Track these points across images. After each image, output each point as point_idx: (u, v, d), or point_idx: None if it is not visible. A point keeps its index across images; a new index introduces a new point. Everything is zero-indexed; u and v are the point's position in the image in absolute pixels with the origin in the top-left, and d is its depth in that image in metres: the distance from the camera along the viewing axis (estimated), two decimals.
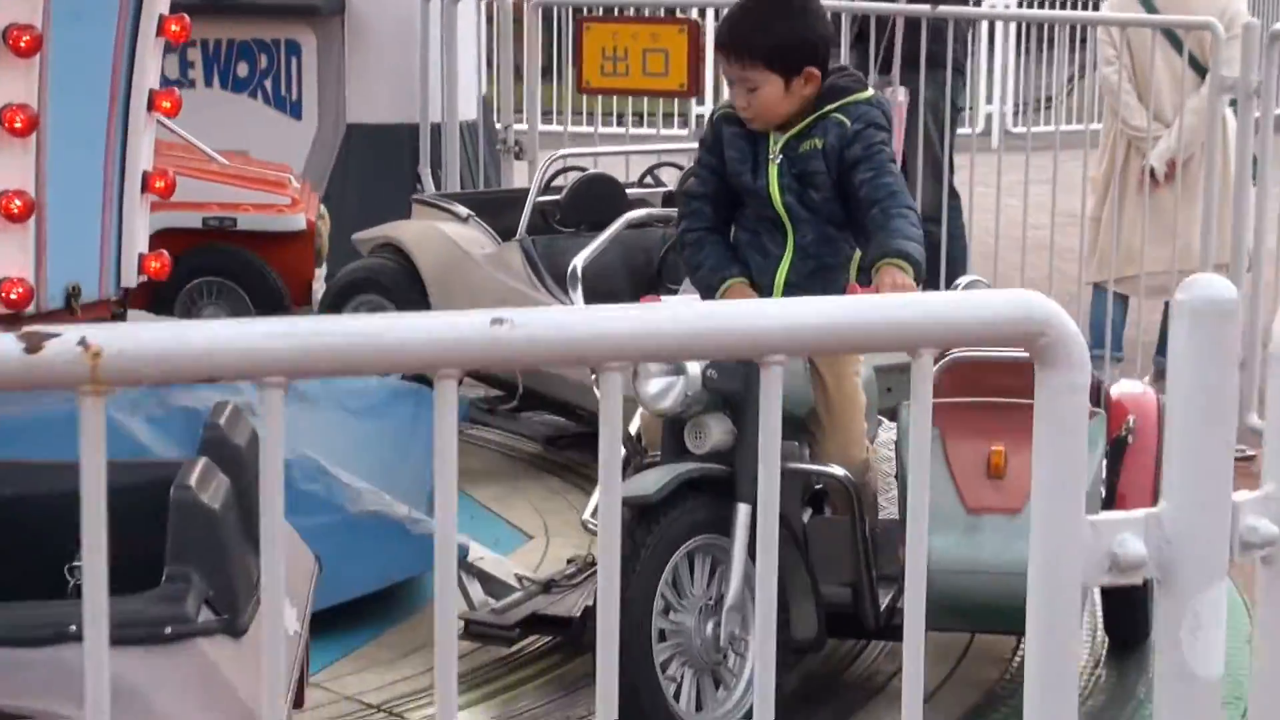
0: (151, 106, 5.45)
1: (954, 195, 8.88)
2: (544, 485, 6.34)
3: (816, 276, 4.56)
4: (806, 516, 4.55)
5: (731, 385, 4.28)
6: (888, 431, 5.40)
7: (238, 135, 9.67)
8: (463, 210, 7.08)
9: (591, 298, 6.44)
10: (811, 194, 4.54)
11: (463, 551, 5.13)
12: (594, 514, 4.87)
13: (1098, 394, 4.93)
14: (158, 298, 7.52)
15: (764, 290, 4.59)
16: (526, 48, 9.58)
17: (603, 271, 6.40)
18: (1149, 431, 4.83)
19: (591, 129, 9.64)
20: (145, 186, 5.48)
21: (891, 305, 1.86)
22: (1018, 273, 8.30)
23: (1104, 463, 4.55)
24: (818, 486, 4.59)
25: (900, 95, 8.57)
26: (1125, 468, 4.76)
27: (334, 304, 7.25)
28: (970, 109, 13.74)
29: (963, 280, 6.26)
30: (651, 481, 4.13)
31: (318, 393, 6.03)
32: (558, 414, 6.82)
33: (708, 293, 4.65)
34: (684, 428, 4.34)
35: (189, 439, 5.02)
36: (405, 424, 6.27)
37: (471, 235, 6.97)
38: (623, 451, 4.86)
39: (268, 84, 9.81)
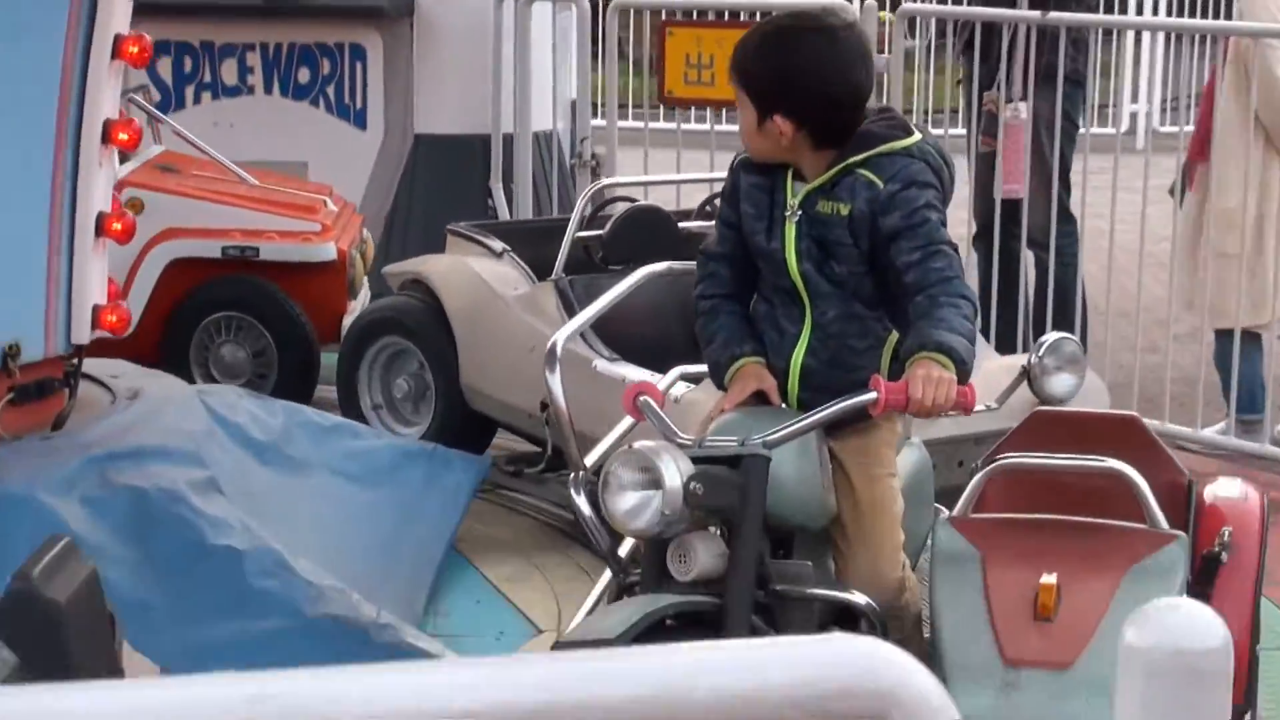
0: (107, 139, 4.77)
1: (1068, 218, 8.02)
2: (567, 560, 5.61)
3: (839, 363, 3.78)
4: None
5: (721, 501, 3.52)
6: None
7: (297, 146, 9.09)
8: (497, 245, 6.36)
9: (635, 352, 5.72)
10: (834, 265, 3.75)
11: None
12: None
13: (1187, 498, 4.11)
14: (172, 334, 6.91)
15: (779, 374, 3.82)
16: (604, 54, 8.85)
17: (651, 317, 5.66)
18: (1250, 547, 4.00)
19: (674, 125, 8.88)
20: (100, 230, 4.81)
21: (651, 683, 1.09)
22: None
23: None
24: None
25: (1022, 111, 7.75)
26: (1218, 594, 3.92)
27: (356, 346, 6.57)
28: (1114, 106, 12.86)
29: (1048, 339, 5.47)
30: (616, 621, 3.38)
31: (309, 456, 5.36)
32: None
33: (717, 372, 3.89)
34: (667, 548, 3.58)
35: (131, 525, 4.37)
36: (413, 490, 5.58)
37: (504, 273, 6.26)
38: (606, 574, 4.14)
39: (330, 91, 9.18)
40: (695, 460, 3.55)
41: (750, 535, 3.51)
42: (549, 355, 4.10)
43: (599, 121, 9.19)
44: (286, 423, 5.40)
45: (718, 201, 5.97)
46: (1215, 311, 7.26)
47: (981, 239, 8.28)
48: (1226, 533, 3.97)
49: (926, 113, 12.61)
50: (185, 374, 6.92)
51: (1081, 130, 8.01)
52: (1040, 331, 7.82)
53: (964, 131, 8.45)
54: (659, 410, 3.71)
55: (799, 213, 3.77)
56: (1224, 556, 3.95)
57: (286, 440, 5.34)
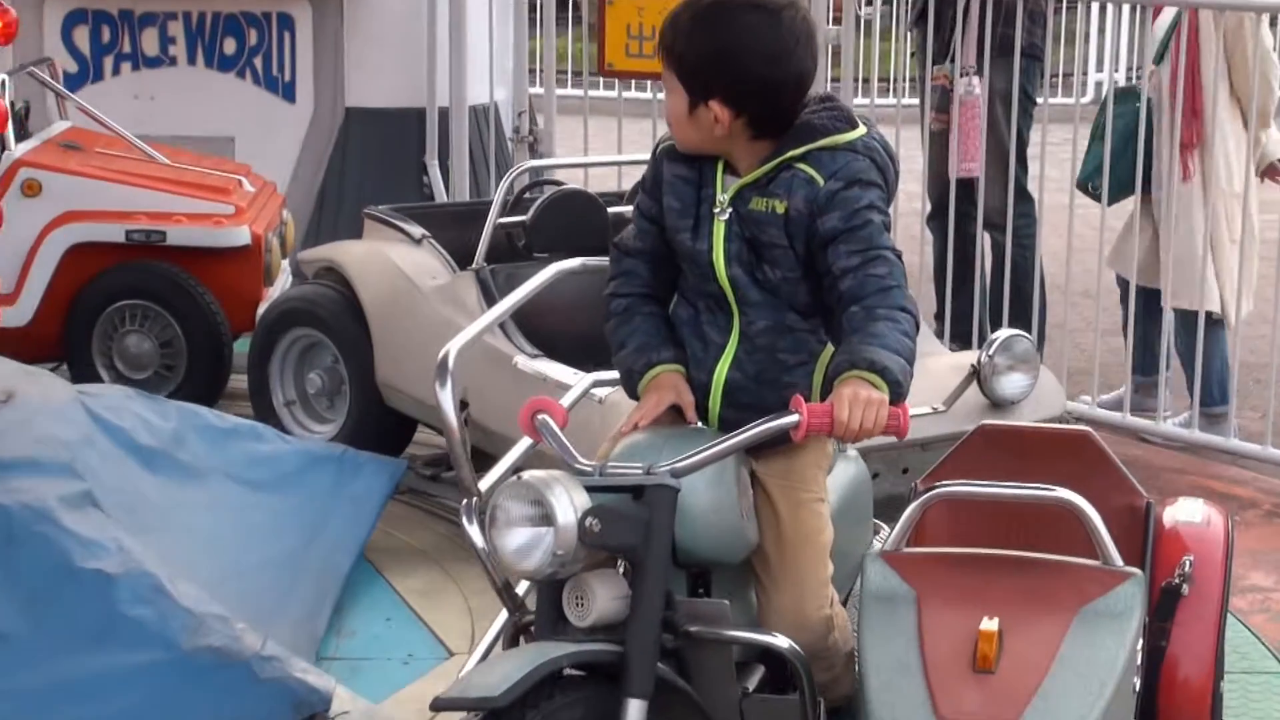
0: None
1: (1026, 198, 7.65)
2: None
3: (767, 379, 3.39)
4: (754, 680, 3.41)
5: (621, 539, 3.13)
6: None
7: (223, 120, 8.70)
8: (416, 231, 5.96)
9: (561, 348, 5.34)
10: (767, 270, 3.37)
11: (323, 703, 4.03)
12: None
13: (1145, 522, 3.74)
14: (73, 325, 6.50)
15: (700, 388, 3.44)
16: (542, 19, 8.44)
17: (579, 310, 5.27)
18: (1213, 577, 3.65)
19: (614, 92, 8.48)
20: None
21: None
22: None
23: (1139, 649, 3.34)
24: None
25: (976, 86, 7.37)
26: (1178, 629, 3.57)
27: (266, 339, 6.16)
28: (1077, 75, 12.50)
29: (999, 336, 5.10)
30: (501, 677, 2.99)
31: (205, 461, 4.97)
32: None
33: (629, 381, 3.50)
34: (563, 588, 3.19)
35: None
36: (320, 497, 5.20)
37: (422, 261, 5.86)
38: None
39: (258, 62, 8.75)
40: (594, 490, 3.17)
41: (654, 576, 3.13)
42: (440, 367, 3.68)
43: (537, 89, 8.78)
44: (180, 426, 5.00)
45: None
46: (1205, 299, 6.90)
47: (936, 219, 7.93)
48: (1188, 562, 3.62)
49: (881, 80, 12.18)
50: (88, 367, 6.53)
51: (1040, 103, 7.64)
52: (997, 316, 7.49)
53: (916, 102, 8.08)
54: (558, 431, 3.33)
55: (729, 210, 3.38)
56: (1185, 589, 3.60)
57: (179, 445, 4.94)
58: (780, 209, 3.32)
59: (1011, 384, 5.11)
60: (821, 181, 3.31)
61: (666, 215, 3.44)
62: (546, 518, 3.11)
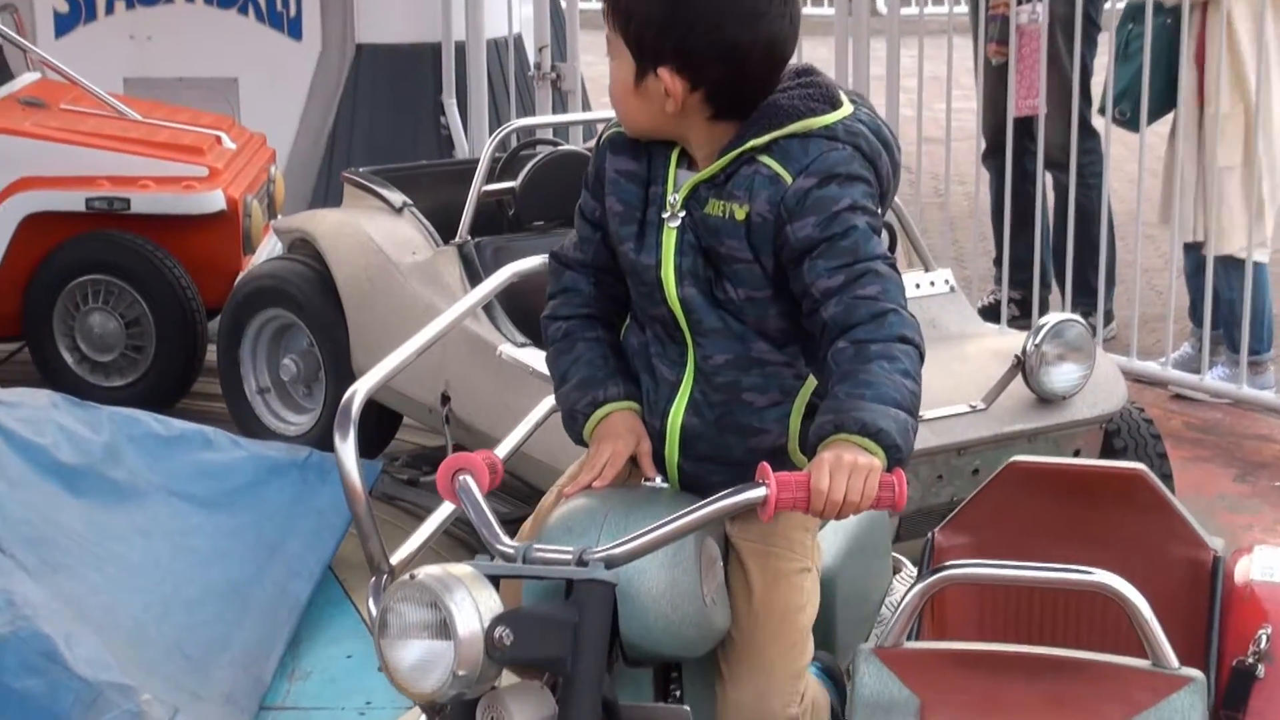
0: None
1: (1090, 134, 6.93)
2: None
3: (731, 425, 2.74)
4: None
5: (540, 651, 2.49)
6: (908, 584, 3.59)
7: (225, 61, 8.13)
8: (397, 198, 5.32)
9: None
10: (728, 288, 2.71)
11: None
12: None
13: (1212, 580, 3.07)
14: (32, 302, 5.92)
15: (654, 435, 2.79)
16: None
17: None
18: None
19: None
20: None
21: None
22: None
23: None
24: None
25: (1039, 13, 6.64)
26: (1251, 713, 2.89)
27: (235, 321, 5.55)
28: None
29: (1048, 321, 4.42)
30: None
31: (142, 477, 4.39)
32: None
33: (573, 425, 2.85)
34: (476, 707, 2.56)
35: None
36: (279, 511, 4.61)
37: (402, 233, 5.22)
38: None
39: None
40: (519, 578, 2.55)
41: (585, 695, 2.50)
42: (342, 413, 3.02)
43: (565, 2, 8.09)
44: (114, 437, 4.41)
45: None
46: (1216, 234, 6.19)
47: (992, 156, 7.24)
48: (1264, 636, 2.94)
49: None
50: (49, 348, 5.96)
51: (1104, 32, 6.89)
52: (1061, 260, 6.81)
53: (962, 10, 7.35)
54: (479, 498, 2.68)
55: (682, 214, 2.72)
56: (1261, 669, 2.92)
57: (111, 460, 4.36)
58: (740, 214, 2.65)
59: (1062, 376, 4.43)
60: (789, 179, 2.63)
61: (609, 220, 2.78)
62: (444, 629, 2.47)
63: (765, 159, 2.65)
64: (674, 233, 2.71)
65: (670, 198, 2.71)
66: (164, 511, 4.40)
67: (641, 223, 2.75)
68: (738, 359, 2.72)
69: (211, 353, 5.90)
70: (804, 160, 2.63)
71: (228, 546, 4.42)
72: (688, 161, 2.74)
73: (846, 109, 2.69)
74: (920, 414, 4.19)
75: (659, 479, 2.81)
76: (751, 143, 2.65)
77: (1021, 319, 7.00)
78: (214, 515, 4.47)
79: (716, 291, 2.71)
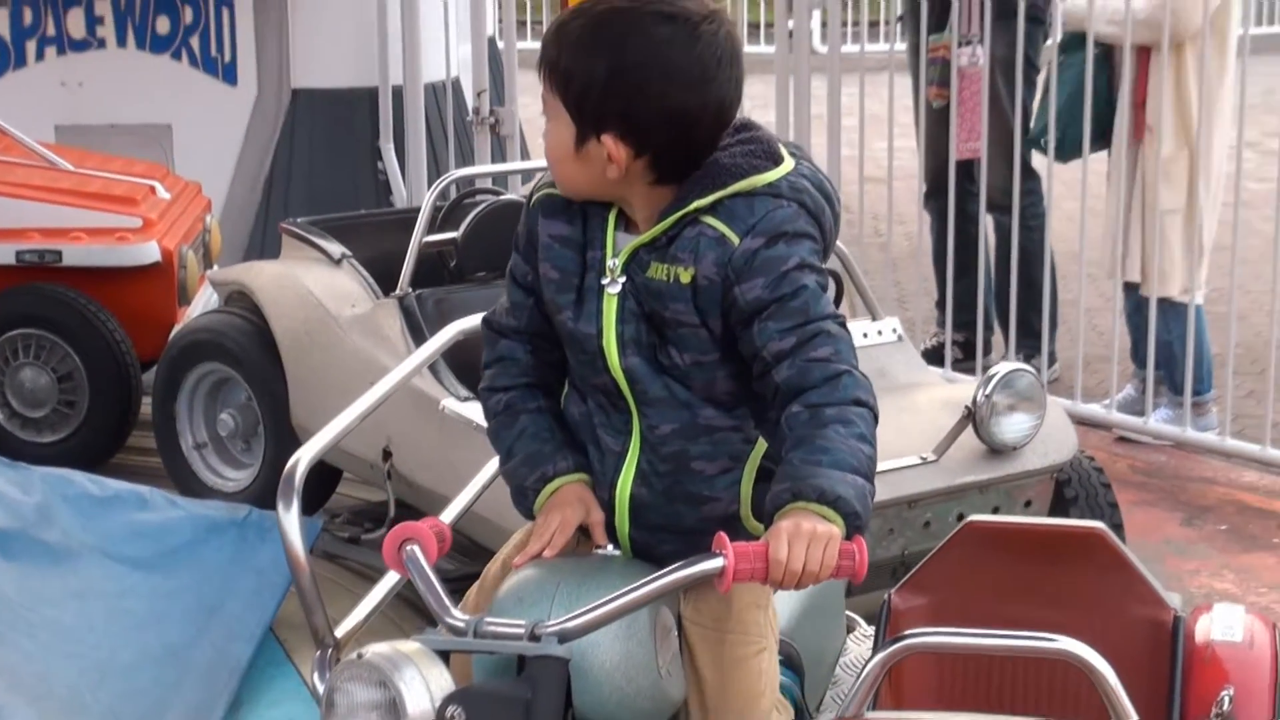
0: None
1: (1032, 175, 6.94)
2: None
3: (680, 494, 2.67)
4: None
5: None
6: (862, 644, 3.54)
7: (158, 106, 8.03)
8: (336, 249, 5.24)
9: None
10: (673, 354, 2.64)
11: None
12: None
13: (1173, 642, 3.03)
14: None
15: (603, 505, 2.72)
16: None
17: None
18: (1258, 711, 2.92)
19: None
20: None
21: None
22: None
23: None
24: None
25: (980, 56, 6.63)
26: None
27: (171, 375, 5.45)
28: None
29: (998, 371, 4.38)
30: None
31: (75, 539, 4.30)
32: None
33: (522, 501, 2.77)
34: None
35: None
36: (218, 571, 4.51)
37: (341, 286, 5.14)
38: None
39: (194, 42, 8.06)
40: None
41: None
42: (285, 481, 2.94)
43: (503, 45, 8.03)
44: (46, 498, 4.32)
45: None
46: (1157, 277, 6.19)
47: (934, 199, 7.22)
48: (1226, 698, 2.90)
49: (874, 24, 11.33)
50: None
51: (1042, 74, 6.88)
52: (1003, 303, 6.79)
53: (902, 47, 7.32)
54: (427, 569, 2.60)
55: (622, 279, 2.65)
56: None
57: (44, 523, 4.26)
58: (685, 277, 2.58)
59: (1013, 426, 4.38)
60: (736, 239, 2.56)
61: (544, 287, 2.70)
62: (396, 706, 2.40)
63: (710, 219, 2.58)
64: (614, 299, 2.63)
65: (610, 263, 2.64)
66: (99, 574, 4.31)
67: (579, 290, 2.66)
68: (684, 427, 2.66)
69: (146, 406, 5.80)
70: (750, 220, 2.57)
71: (165, 608, 4.33)
72: (624, 223, 2.67)
73: (788, 164, 2.64)
74: None
75: (610, 547, 2.75)
76: (696, 204, 2.58)
77: (964, 361, 6.99)
78: (150, 576, 4.38)
79: (661, 358, 2.64)
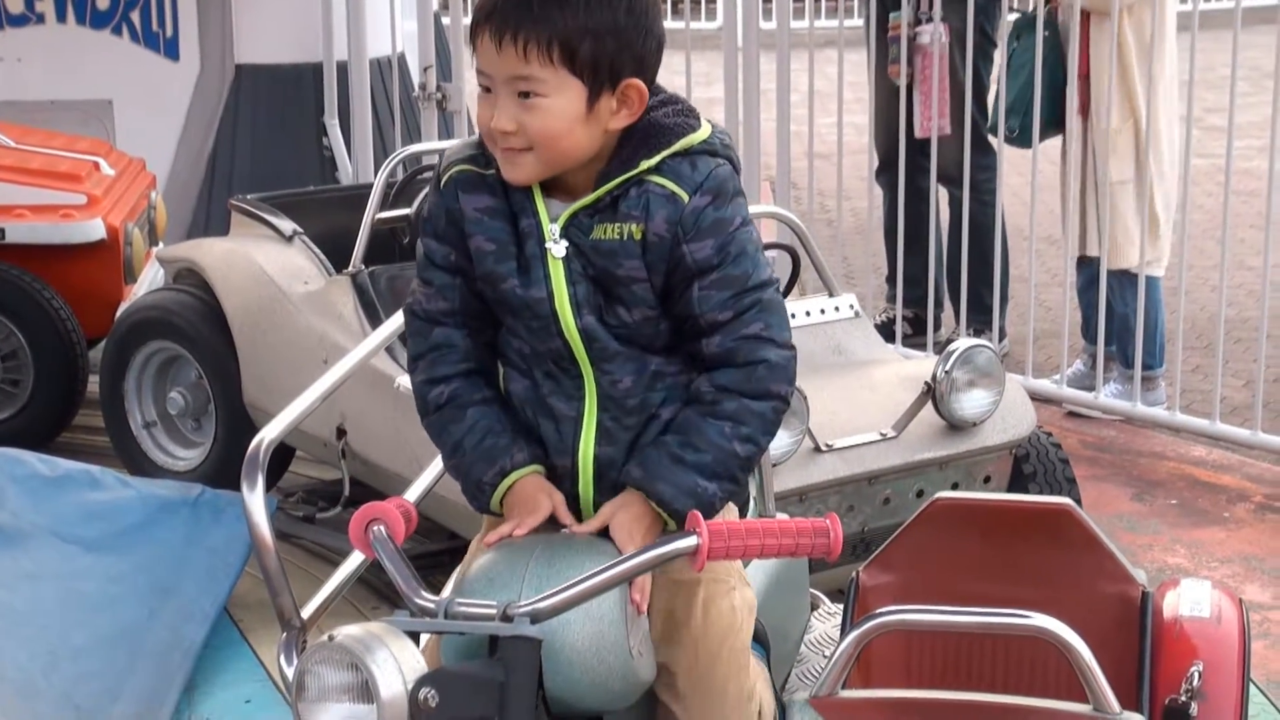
0: None
1: (985, 149, 6.92)
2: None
3: (645, 443, 2.65)
4: None
5: (466, 711, 2.39)
6: (826, 621, 3.53)
7: (99, 82, 7.95)
8: (287, 226, 5.18)
9: None
10: (621, 312, 2.62)
11: None
12: None
13: (1142, 617, 3.02)
14: None
15: (566, 475, 2.68)
16: None
17: None
18: (1227, 689, 2.93)
19: None
20: None
21: None
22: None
23: None
24: None
25: (943, 32, 6.62)
26: None
27: (119, 354, 5.38)
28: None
29: (957, 347, 4.37)
30: None
31: (26, 520, 4.24)
32: None
33: (479, 497, 2.73)
34: None
35: None
36: (171, 551, 4.45)
37: (293, 262, 5.09)
38: None
39: (135, 17, 7.98)
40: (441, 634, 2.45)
41: None
42: (249, 463, 2.88)
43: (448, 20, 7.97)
44: None
45: None
46: (1113, 249, 6.20)
47: (885, 173, 7.21)
48: (1196, 673, 2.90)
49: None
50: None
51: (999, 48, 6.87)
52: (955, 277, 6.78)
53: (855, 23, 7.31)
54: (395, 550, 2.57)
55: (564, 243, 2.62)
56: (1193, 708, 2.87)
57: None
58: (637, 233, 2.57)
59: (972, 402, 4.37)
60: (686, 196, 2.56)
61: (478, 261, 2.64)
62: (366, 692, 2.36)
63: (656, 178, 2.58)
64: (560, 264, 2.61)
65: (550, 228, 2.61)
66: (50, 555, 4.25)
67: (519, 258, 2.64)
68: (641, 378, 2.65)
69: (93, 385, 5.74)
70: (696, 178, 2.57)
71: (118, 590, 4.28)
72: (546, 189, 2.63)
73: (709, 125, 2.66)
74: (830, 443, 4.13)
75: (573, 526, 2.72)
76: (644, 164, 2.57)
77: (914, 336, 6.98)
78: (103, 558, 4.32)
79: (608, 317, 2.62)
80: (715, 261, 2.56)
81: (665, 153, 2.57)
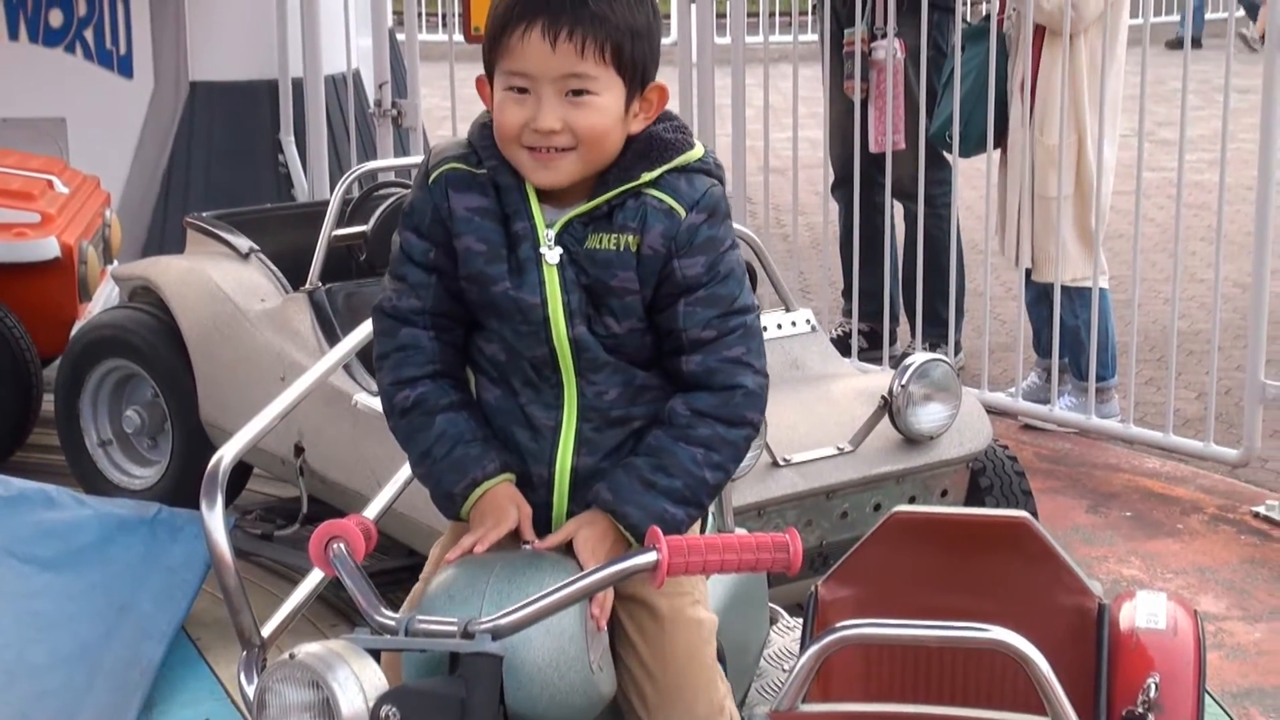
0: None
1: (941, 164, 6.94)
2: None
3: (626, 455, 2.66)
4: None
5: None
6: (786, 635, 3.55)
7: (52, 100, 7.92)
8: (243, 243, 5.17)
9: None
10: (609, 323, 2.63)
11: None
12: None
13: (1098, 629, 3.04)
14: None
15: (540, 485, 2.68)
16: None
17: None
18: (1184, 701, 2.94)
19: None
20: None
21: None
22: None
23: None
24: None
25: (898, 48, 6.65)
26: None
27: (74, 373, 5.36)
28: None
29: (914, 361, 4.39)
30: None
31: None
32: None
33: (449, 506, 2.73)
34: None
35: None
36: (128, 570, 4.44)
37: (250, 280, 5.08)
38: None
39: (89, 35, 7.94)
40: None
41: None
42: (208, 480, 2.88)
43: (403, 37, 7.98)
44: None
45: None
46: (1042, 263, 6.25)
47: (841, 187, 7.24)
48: (1153, 685, 2.92)
49: (773, 15, 11.40)
50: None
51: (954, 64, 6.92)
52: (910, 292, 6.81)
53: (816, 38, 7.33)
54: (355, 567, 2.57)
55: (559, 250, 2.62)
56: (1150, 717, 2.89)
57: None
58: (633, 245, 2.58)
59: (929, 416, 4.40)
60: (683, 212, 2.58)
61: (467, 261, 2.64)
62: (329, 706, 2.36)
63: (654, 192, 2.60)
64: (555, 270, 2.61)
65: (545, 233, 2.62)
66: (6, 574, 4.24)
67: (512, 260, 2.64)
68: (627, 390, 2.66)
69: (48, 403, 5.71)
70: (692, 195, 2.60)
71: (75, 609, 4.26)
72: (547, 194, 2.63)
73: (700, 145, 2.69)
74: (788, 458, 4.15)
75: (534, 541, 2.72)
76: (645, 176, 2.59)
77: (869, 350, 7.01)
78: (59, 576, 4.31)
79: (596, 327, 2.64)
80: (704, 279, 2.59)
81: (665, 167, 2.60)
